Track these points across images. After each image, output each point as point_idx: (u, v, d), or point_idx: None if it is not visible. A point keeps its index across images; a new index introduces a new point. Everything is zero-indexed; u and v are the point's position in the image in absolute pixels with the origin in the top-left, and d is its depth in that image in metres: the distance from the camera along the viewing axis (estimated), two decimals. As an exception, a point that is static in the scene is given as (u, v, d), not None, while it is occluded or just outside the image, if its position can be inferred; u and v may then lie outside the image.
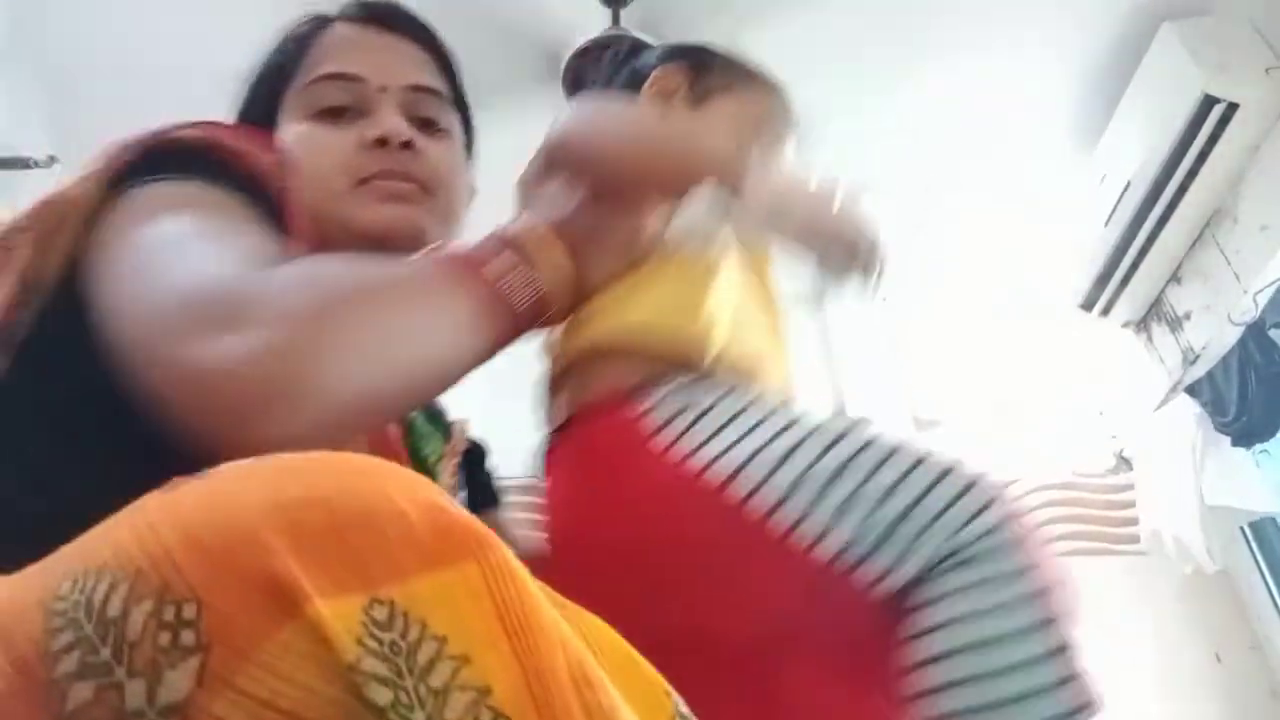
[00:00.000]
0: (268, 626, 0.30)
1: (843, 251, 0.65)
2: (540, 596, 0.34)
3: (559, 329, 0.74)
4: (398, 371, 0.51)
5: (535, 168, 0.76)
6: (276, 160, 0.67)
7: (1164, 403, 2.27)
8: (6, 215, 0.58)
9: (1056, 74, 2.14)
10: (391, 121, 0.73)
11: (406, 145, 0.73)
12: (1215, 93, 1.83)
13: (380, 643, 0.30)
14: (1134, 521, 2.36)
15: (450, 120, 0.81)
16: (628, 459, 0.66)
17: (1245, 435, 2.09)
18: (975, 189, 2.45)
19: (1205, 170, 1.93)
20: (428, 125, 0.77)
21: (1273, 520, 2.17)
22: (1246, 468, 2.13)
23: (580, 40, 1.78)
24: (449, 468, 0.79)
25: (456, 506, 0.35)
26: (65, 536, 0.34)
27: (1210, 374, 2.10)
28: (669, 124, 0.79)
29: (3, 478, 0.48)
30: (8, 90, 2.15)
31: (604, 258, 0.70)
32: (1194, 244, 2.09)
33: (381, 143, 0.72)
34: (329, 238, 0.70)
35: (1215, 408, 2.12)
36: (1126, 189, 2.04)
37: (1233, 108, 1.83)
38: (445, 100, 0.81)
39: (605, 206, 0.70)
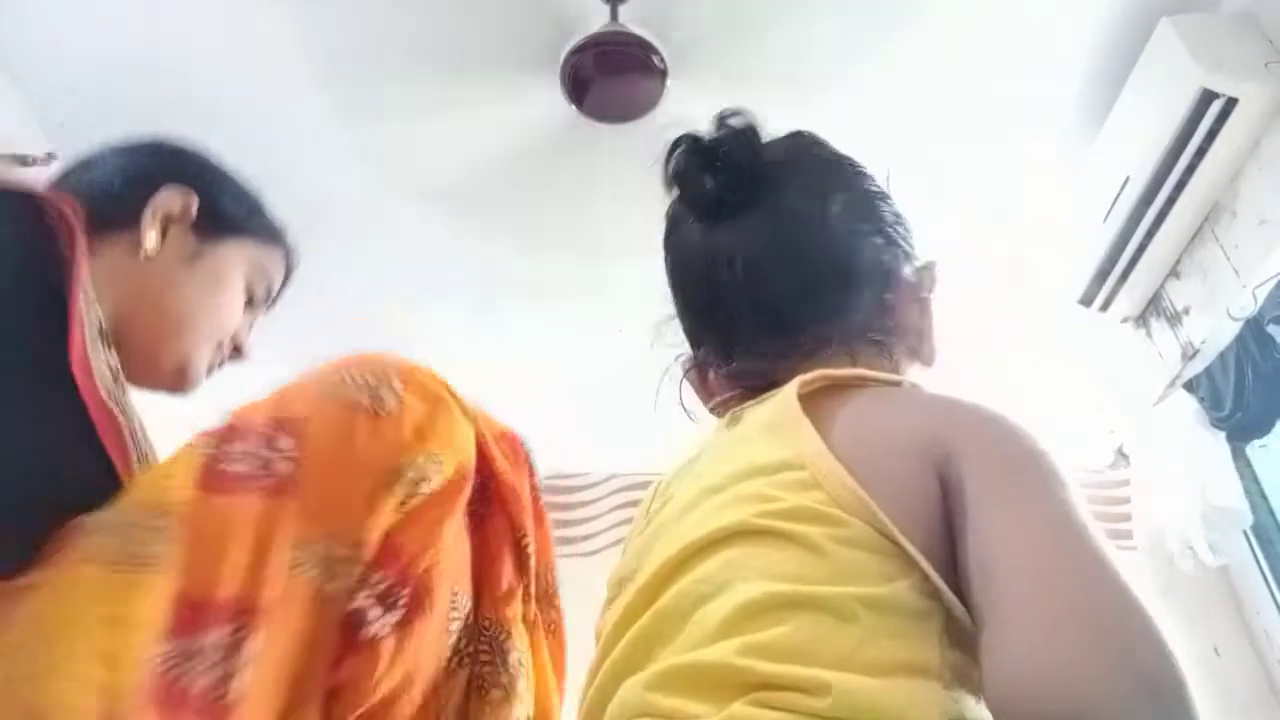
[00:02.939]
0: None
1: None
2: None
3: None
4: None
5: None
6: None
7: (1163, 398, 2.27)
8: None
9: (1054, 69, 2.14)
10: (249, 341, 0.97)
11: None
12: (1214, 87, 1.83)
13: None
14: (1132, 517, 2.37)
15: None
16: None
17: (1241, 431, 2.10)
18: (972, 183, 2.44)
19: (1204, 165, 1.92)
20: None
21: (1271, 515, 2.17)
22: (1241, 465, 2.13)
23: (577, 36, 1.78)
24: None
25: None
26: None
27: (1207, 369, 2.10)
28: None
29: None
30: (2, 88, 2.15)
31: None
32: (1193, 239, 2.09)
33: (237, 351, 0.96)
34: (135, 339, 0.82)
35: (1212, 403, 2.12)
36: (1125, 184, 2.04)
37: (1232, 102, 1.83)
38: None
39: None
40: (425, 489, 0.59)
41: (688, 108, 1.83)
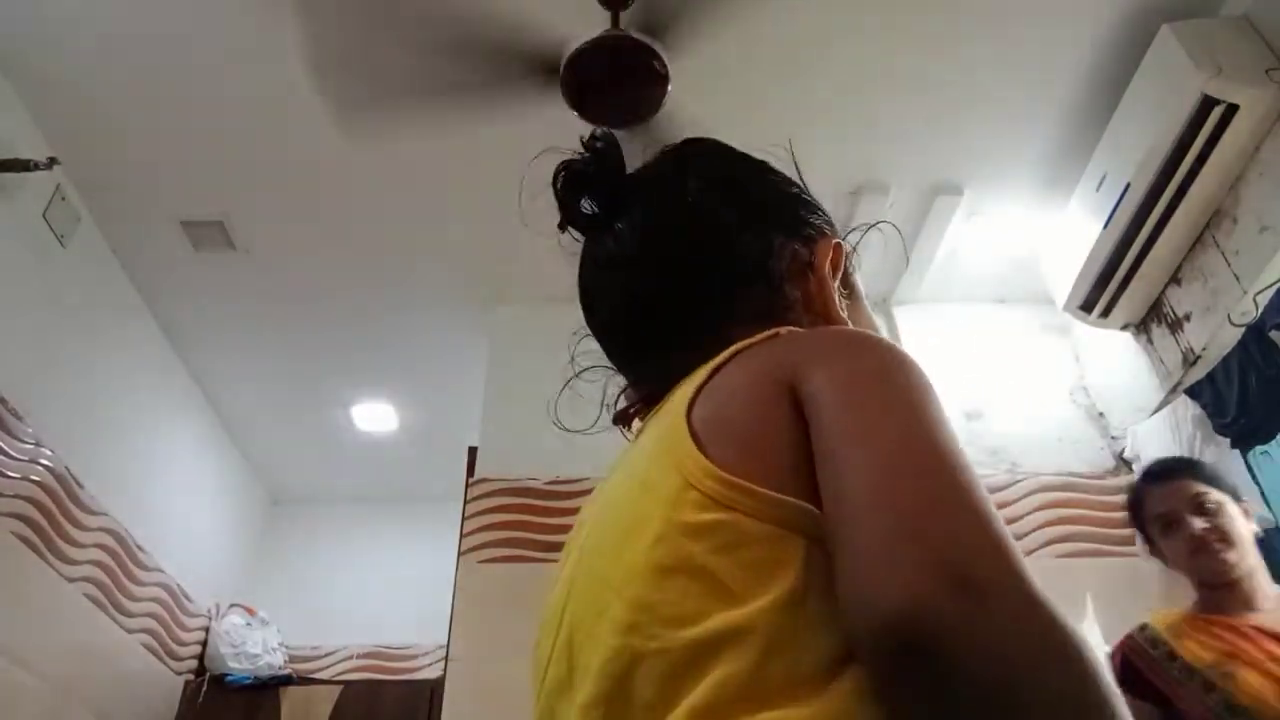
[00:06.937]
0: None
1: None
2: None
3: None
4: None
5: None
6: None
7: (1164, 404, 2.26)
8: None
9: (1057, 74, 2.14)
10: None
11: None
12: (1215, 94, 1.83)
13: None
14: (1134, 523, 2.36)
15: None
16: None
17: (1244, 437, 2.09)
18: (976, 190, 2.44)
19: (1205, 171, 1.92)
20: None
21: (1271, 521, 2.16)
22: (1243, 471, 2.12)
23: (579, 40, 1.78)
24: None
25: None
26: None
27: (1210, 375, 2.10)
28: None
29: None
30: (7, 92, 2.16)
31: None
32: (1194, 245, 2.09)
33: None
34: None
35: (1215, 409, 2.12)
36: (1126, 190, 2.04)
37: (1232, 109, 1.83)
38: None
39: None
40: None
41: (689, 108, 1.83)
